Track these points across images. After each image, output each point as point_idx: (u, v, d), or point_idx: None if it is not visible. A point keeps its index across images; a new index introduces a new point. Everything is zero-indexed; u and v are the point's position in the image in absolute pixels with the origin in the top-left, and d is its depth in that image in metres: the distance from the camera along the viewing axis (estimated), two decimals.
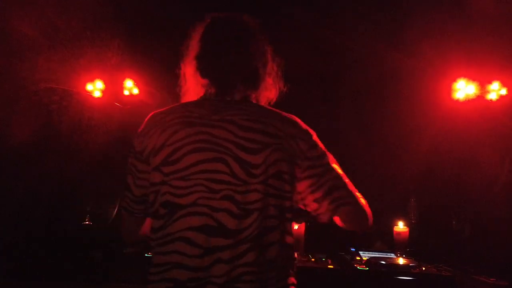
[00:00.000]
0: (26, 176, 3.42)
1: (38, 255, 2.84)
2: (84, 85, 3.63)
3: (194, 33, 1.40)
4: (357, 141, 3.36)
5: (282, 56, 1.44)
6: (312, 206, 1.32)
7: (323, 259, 2.67)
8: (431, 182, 3.36)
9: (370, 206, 1.37)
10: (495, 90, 3.23)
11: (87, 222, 3.33)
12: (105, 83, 3.67)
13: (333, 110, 3.57)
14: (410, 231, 2.74)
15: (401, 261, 2.59)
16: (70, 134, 3.61)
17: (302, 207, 1.35)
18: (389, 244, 2.89)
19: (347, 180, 1.34)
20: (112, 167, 3.47)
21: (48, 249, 2.90)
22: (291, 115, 1.33)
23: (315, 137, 1.33)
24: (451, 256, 2.78)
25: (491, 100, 3.24)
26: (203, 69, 1.35)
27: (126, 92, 3.69)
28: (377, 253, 2.86)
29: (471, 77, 3.26)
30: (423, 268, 2.54)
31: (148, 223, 1.41)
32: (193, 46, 1.38)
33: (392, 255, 2.76)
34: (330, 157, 1.34)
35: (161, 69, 3.50)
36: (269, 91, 1.41)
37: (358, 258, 2.67)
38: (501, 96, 3.23)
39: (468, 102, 3.27)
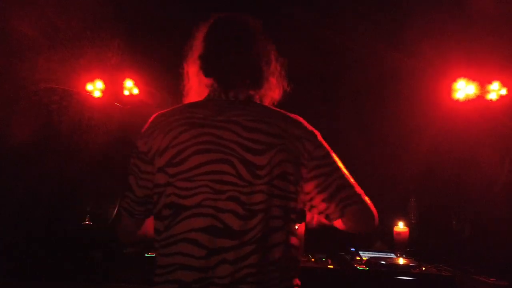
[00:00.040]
0: (26, 176, 3.42)
1: (38, 255, 2.84)
2: (84, 85, 3.64)
3: (197, 33, 1.40)
4: (357, 141, 3.36)
5: (282, 56, 1.45)
6: (320, 207, 1.32)
7: (323, 259, 2.67)
8: (431, 182, 3.36)
9: None
10: (495, 90, 3.23)
11: (87, 222, 3.33)
12: (105, 83, 3.67)
13: (333, 110, 3.57)
14: (410, 231, 2.74)
15: (401, 261, 2.59)
16: (70, 134, 3.61)
17: (309, 208, 1.35)
18: (389, 244, 2.89)
19: (352, 180, 1.34)
20: (112, 167, 3.47)
21: (48, 249, 2.90)
22: (295, 115, 1.33)
23: (320, 137, 1.33)
24: (451, 256, 2.78)
25: (491, 100, 3.24)
26: (207, 69, 1.35)
27: (126, 92, 3.69)
28: (377, 253, 2.86)
29: (471, 77, 3.26)
30: (423, 268, 2.54)
31: (147, 224, 1.40)
32: (197, 45, 1.39)
33: (392, 255, 2.76)
34: (336, 157, 1.34)
35: (161, 69, 3.50)
36: (272, 91, 1.41)
37: (358, 258, 2.67)
38: (501, 96, 3.23)
39: (468, 102, 3.27)
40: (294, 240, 1.27)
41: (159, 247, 1.24)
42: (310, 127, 1.33)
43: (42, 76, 3.44)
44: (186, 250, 1.18)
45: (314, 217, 1.44)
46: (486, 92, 3.26)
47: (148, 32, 3.59)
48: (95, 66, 3.61)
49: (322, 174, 1.29)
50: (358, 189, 1.33)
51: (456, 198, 3.27)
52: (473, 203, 3.19)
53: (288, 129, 1.27)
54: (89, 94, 3.64)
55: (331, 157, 1.32)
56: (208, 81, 1.35)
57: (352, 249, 2.83)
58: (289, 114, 1.33)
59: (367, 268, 2.51)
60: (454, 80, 3.30)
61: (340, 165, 1.33)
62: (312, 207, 1.33)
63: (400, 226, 2.74)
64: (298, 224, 2.54)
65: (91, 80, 3.64)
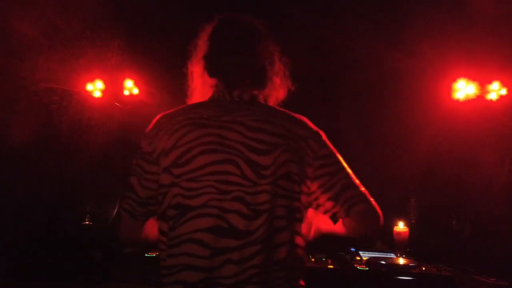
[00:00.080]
0: (26, 176, 3.42)
1: (38, 255, 2.84)
2: (84, 85, 3.64)
3: (202, 33, 1.41)
4: (357, 141, 3.35)
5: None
6: (326, 206, 1.31)
7: (323, 259, 2.67)
8: (431, 182, 3.36)
9: None
10: (495, 90, 3.23)
11: (87, 222, 3.33)
12: (105, 83, 3.67)
13: (333, 110, 3.57)
14: (410, 231, 2.74)
15: (401, 261, 2.59)
16: (70, 134, 3.61)
17: (315, 207, 1.34)
18: (389, 244, 2.89)
19: (357, 181, 1.34)
20: (112, 167, 3.47)
21: (48, 249, 2.90)
22: (299, 115, 1.34)
23: (324, 137, 1.34)
24: (451, 256, 2.78)
25: (491, 100, 3.24)
26: (211, 69, 1.36)
27: (126, 92, 3.69)
28: (377, 253, 2.86)
29: (471, 77, 3.26)
30: (423, 268, 2.54)
31: (147, 226, 1.39)
32: (201, 46, 1.39)
33: (392, 255, 2.75)
34: (340, 157, 1.34)
35: (161, 69, 3.51)
36: (277, 91, 1.42)
37: (358, 258, 2.67)
38: (501, 96, 3.22)
39: (468, 102, 3.27)
40: (299, 240, 1.26)
41: (164, 247, 1.24)
42: (315, 127, 1.33)
43: (42, 76, 3.44)
44: (191, 250, 1.18)
45: (311, 230, 1.42)
46: (486, 92, 3.25)
47: (148, 32, 3.59)
48: (95, 66, 3.61)
49: (327, 173, 1.29)
50: (363, 189, 1.33)
51: (456, 198, 3.27)
52: (473, 203, 3.19)
53: (293, 129, 1.27)
54: (89, 94, 3.64)
55: (336, 157, 1.33)
56: (212, 81, 1.36)
57: (352, 249, 2.83)
58: (293, 114, 1.33)
59: (367, 268, 2.51)
60: (454, 80, 3.30)
61: (345, 165, 1.34)
62: (318, 206, 1.33)
63: (400, 226, 2.74)
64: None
65: (91, 80, 3.64)
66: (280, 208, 1.21)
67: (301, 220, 1.28)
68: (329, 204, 1.31)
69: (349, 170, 1.33)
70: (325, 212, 1.33)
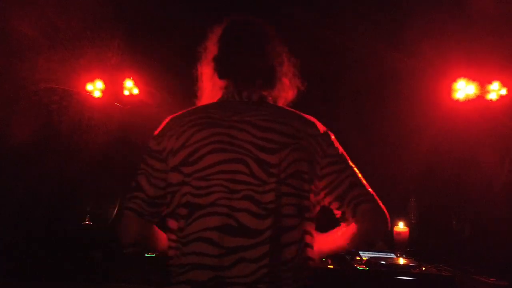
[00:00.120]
0: (26, 176, 3.42)
1: (38, 255, 2.84)
2: (84, 85, 3.64)
3: (211, 35, 1.43)
4: (357, 141, 3.35)
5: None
6: (334, 205, 1.32)
7: (323, 259, 2.67)
8: (431, 182, 3.36)
9: None
10: (495, 90, 3.23)
11: (87, 222, 3.33)
12: (105, 83, 3.67)
13: (333, 110, 3.57)
14: (410, 231, 2.73)
15: (401, 261, 2.59)
16: (70, 134, 3.61)
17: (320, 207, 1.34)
18: (389, 244, 2.89)
19: (365, 181, 1.34)
20: (112, 167, 3.48)
21: (48, 249, 2.90)
22: (308, 115, 1.35)
23: (333, 137, 1.35)
24: (451, 256, 2.77)
25: (491, 100, 3.24)
26: (221, 70, 1.37)
27: (126, 92, 3.69)
28: (377, 253, 2.86)
29: (471, 77, 3.26)
30: (423, 268, 2.53)
31: (152, 229, 1.38)
32: (211, 48, 1.41)
33: (392, 255, 2.75)
34: (348, 157, 1.35)
35: (161, 69, 3.51)
36: (286, 92, 1.43)
37: (358, 258, 2.67)
38: (501, 96, 3.22)
39: (468, 102, 3.27)
40: (309, 239, 1.26)
41: (173, 247, 1.24)
42: (324, 128, 1.35)
43: (42, 76, 3.45)
44: (201, 249, 1.18)
45: (315, 254, 1.35)
46: (486, 92, 3.25)
47: (148, 32, 3.59)
48: (95, 66, 3.62)
49: (334, 171, 1.30)
50: (370, 189, 1.33)
51: (456, 198, 3.27)
52: (473, 203, 3.18)
53: (302, 128, 1.28)
54: (89, 94, 3.64)
55: (344, 156, 1.34)
56: (222, 83, 1.37)
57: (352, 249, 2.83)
58: (303, 114, 1.34)
59: (367, 268, 2.51)
60: (454, 80, 3.29)
61: (353, 165, 1.34)
62: (327, 205, 1.33)
63: (400, 226, 2.74)
64: None
65: (91, 80, 3.64)
66: (289, 207, 1.21)
67: (311, 219, 1.27)
68: (336, 203, 1.31)
69: (356, 170, 1.34)
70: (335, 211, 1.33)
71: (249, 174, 1.21)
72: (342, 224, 1.36)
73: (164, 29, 3.51)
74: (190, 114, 1.32)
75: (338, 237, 1.35)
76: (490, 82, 3.24)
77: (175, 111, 1.38)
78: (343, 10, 3.41)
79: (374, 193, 1.33)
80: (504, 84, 3.22)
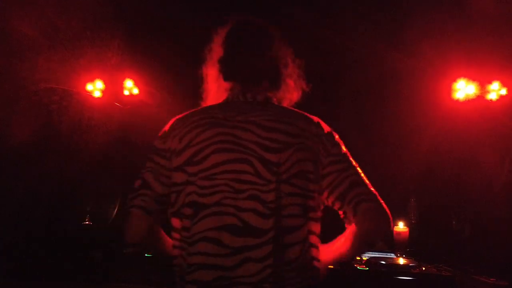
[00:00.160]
0: (26, 176, 3.42)
1: (38, 255, 2.84)
2: (84, 85, 3.64)
3: (216, 36, 1.43)
4: (357, 141, 3.34)
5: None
6: (336, 204, 1.31)
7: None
8: (431, 182, 3.35)
9: None
10: (495, 90, 3.23)
11: (87, 222, 3.33)
12: (105, 83, 3.67)
13: (333, 110, 3.56)
14: (410, 231, 2.73)
15: (401, 261, 2.59)
16: (70, 134, 3.61)
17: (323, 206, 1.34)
18: (389, 244, 2.89)
19: (367, 181, 1.34)
20: (112, 167, 3.48)
21: (48, 249, 2.90)
22: (313, 116, 1.35)
23: (338, 137, 1.35)
24: (451, 256, 2.77)
25: (491, 100, 3.24)
26: (226, 72, 1.38)
27: (126, 92, 3.69)
28: (377, 253, 2.86)
29: (471, 77, 3.26)
30: (423, 268, 2.53)
31: (157, 230, 1.38)
32: (216, 49, 1.41)
33: (392, 255, 2.75)
34: (351, 157, 1.35)
35: (161, 69, 3.51)
36: (290, 93, 1.43)
37: (358, 258, 2.67)
38: (501, 96, 3.22)
39: (468, 102, 3.27)
40: (314, 239, 1.26)
41: (179, 247, 1.24)
42: (328, 128, 1.35)
43: (42, 76, 3.45)
44: (206, 249, 1.18)
45: (319, 270, 1.32)
46: (486, 92, 3.25)
47: (148, 32, 3.59)
48: (95, 66, 3.62)
49: (336, 170, 1.30)
50: (372, 189, 1.32)
51: (456, 198, 3.26)
52: (473, 203, 3.18)
53: (307, 128, 1.29)
54: (89, 94, 3.64)
55: (347, 156, 1.34)
56: (227, 84, 1.37)
57: None
58: (307, 114, 1.35)
59: (367, 268, 2.51)
60: (454, 80, 3.29)
61: (356, 164, 1.34)
62: (330, 205, 1.33)
63: (400, 226, 2.74)
64: None
65: (91, 80, 3.64)
66: (294, 207, 1.21)
67: (316, 219, 1.27)
68: (338, 202, 1.31)
69: (359, 170, 1.34)
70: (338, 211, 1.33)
71: (254, 173, 1.21)
72: (346, 227, 1.35)
73: (164, 29, 3.51)
74: (194, 115, 1.32)
75: (341, 244, 1.34)
76: (490, 82, 3.24)
77: (175, 111, 1.39)
78: (343, 10, 3.41)
79: (376, 193, 1.32)
80: (504, 84, 3.22)
